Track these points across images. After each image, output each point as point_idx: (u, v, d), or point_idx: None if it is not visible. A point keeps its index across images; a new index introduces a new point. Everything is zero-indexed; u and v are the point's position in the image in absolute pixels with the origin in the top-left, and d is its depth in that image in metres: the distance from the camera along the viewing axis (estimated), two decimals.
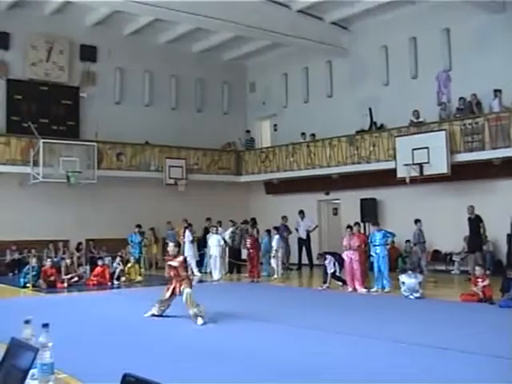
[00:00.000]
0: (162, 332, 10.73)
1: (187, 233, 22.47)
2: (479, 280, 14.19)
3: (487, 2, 20.88)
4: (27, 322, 3.83)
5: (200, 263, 23.27)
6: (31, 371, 3.33)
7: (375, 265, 17.06)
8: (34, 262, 19.43)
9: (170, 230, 25.07)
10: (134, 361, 7.93)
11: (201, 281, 20.82)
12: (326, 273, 17.77)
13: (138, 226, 24.01)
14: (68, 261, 20.68)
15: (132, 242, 23.61)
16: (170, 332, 10.75)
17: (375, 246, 17.10)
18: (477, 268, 14.79)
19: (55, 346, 3.69)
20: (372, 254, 17.39)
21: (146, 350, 8.88)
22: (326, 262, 17.63)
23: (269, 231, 22.75)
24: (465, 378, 7.13)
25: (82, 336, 10.16)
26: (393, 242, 20.57)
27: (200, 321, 11.36)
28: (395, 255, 22.93)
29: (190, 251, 22.24)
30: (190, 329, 10.96)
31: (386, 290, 16.51)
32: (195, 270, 22.47)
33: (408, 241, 23.00)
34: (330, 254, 18.10)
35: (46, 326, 3.68)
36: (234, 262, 23.22)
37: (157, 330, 10.90)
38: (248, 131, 30.65)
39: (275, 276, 21.08)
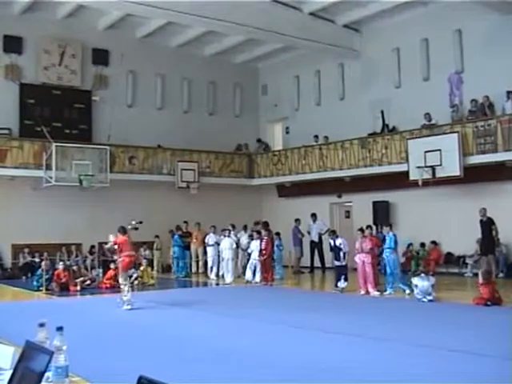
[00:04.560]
0: (175, 334, 10.76)
1: (211, 235, 22.57)
2: (479, 285, 14.15)
3: (499, 2, 20.78)
4: (42, 325, 3.84)
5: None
6: (46, 374, 3.34)
7: (387, 268, 17.00)
8: (47, 265, 19.50)
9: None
10: (148, 363, 7.92)
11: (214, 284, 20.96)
12: (339, 271, 17.76)
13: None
14: (75, 267, 20.77)
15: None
16: (183, 334, 10.75)
17: (387, 248, 17.06)
18: (479, 274, 14.68)
19: (69, 349, 3.70)
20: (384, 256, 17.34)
21: (160, 352, 8.89)
22: (341, 242, 17.59)
23: (278, 234, 22.78)
24: (475, 379, 7.12)
25: (95, 339, 10.19)
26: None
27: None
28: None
29: (211, 254, 22.37)
30: (204, 331, 10.99)
31: (407, 291, 16.40)
32: (212, 274, 22.48)
33: (422, 244, 22.97)
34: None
35: (60, 329, 3.69)
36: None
37: (170, 332, 10.94)
38: (259, 140, 30.56)
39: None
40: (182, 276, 23.21)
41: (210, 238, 22.77)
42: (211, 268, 22.73)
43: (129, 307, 14.10)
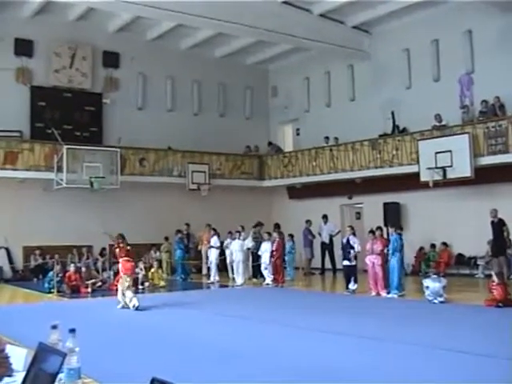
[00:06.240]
0: (187, 335, 10.77)
1: (215, 238, 22.49)
2: (493, 286, 14.11)
3: (510, 2, 20.70)
4: (54, 327, 3.86)
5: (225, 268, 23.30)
6: (58, 376, 3.36)
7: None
8: (58, 267, 19.60)
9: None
10: (160, 364, 7.94)
11: (224, 285, 21.00)
12: (348, 274, 17.83)
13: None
14: (83, 269, 20.80)
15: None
16: (194, 335, 10.75)
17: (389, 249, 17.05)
18: (494, 277, 14.62)
19: (81, 351, 3.72)
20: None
21: (171, 354, 8.91)
22: (355, 240, 17.64)
23: (292, 236, 22.78)
24: (485, 380, 7.12)
25: (107, 340, 10.23)
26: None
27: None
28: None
29: (214, 256, 22.29)
30: (215, 332, 11.00)
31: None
32: (216, 276, 22.39)
33: (433, 245, 22.94)
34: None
35: (72, 331, 3.71)
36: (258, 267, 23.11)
37: (181, 334, 10.97)
38: (270, 143, 30.49)
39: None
40: (182, 279, 23.20)
41: (212, 241, 22.67)
42: (215, 271, 22.61)
43: (120, 306, 14.74)
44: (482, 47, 22.46)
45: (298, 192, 28.46)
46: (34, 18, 24.89)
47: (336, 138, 26.33)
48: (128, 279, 14.88)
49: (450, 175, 20.73)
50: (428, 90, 23.96)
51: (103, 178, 23.60)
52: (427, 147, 21.39)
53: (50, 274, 19.42)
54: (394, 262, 16.66)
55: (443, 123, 22.27)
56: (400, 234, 17.32)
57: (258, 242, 21.83)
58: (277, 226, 22.50)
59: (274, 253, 20.28)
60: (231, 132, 29.36)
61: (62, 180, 23.12)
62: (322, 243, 25.04)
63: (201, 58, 29.02)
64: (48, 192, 23.80)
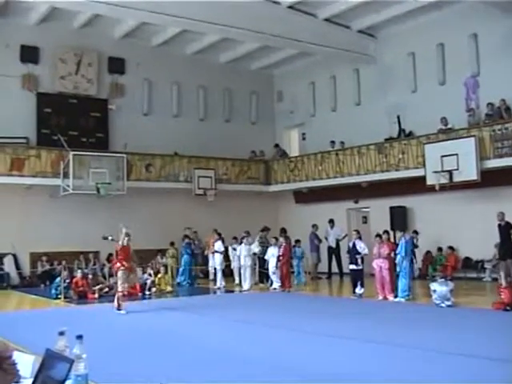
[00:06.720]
0: (193, 340, 10.77)
1: (219, 243, 22.47)
2: (501, 290, 14.10)
3: None
4: (61, 333, 3.85)
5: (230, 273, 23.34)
6: (66, 382, 3.36)
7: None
8: (65, 274, 19.62)
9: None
10: (168, 370, 7.92)
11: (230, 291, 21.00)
12: (355, 279, 17.81)
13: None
14: (90, 275, 20.79)
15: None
16: (201, 340, 10.74)
17: (398, 254, 17.02)
18: (502, 280, 14.61)
19: (88, 357, 3.71)
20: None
21: (178, 359, 8.91)
22: (361, 244, 17.65)
23: (299, 241, 22.73)
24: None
25: (114, 346, 10.22)
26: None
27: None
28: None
29: (219, 261, 22.26)
30: (222, 337, 11.01)
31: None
32: (222, 281, 22.34)
33: (440, 248, 22.89)
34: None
35: (80, 337, 3.71)
36: (265, 272, 23.08)
37: (188, 338, 10.96)
38: (277, 145, 30.49)
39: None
40: (188, 284, 23.27)
41: (216, 245, 22.64)
42: (220, 276, 22.52)
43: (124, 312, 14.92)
44: (488, 50, 22.43)
45: (304, 196, 28.43)
46: (40, 24, 24.96)
47: (342, 143, 26.32)
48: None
49: (457, 178, 20.69)
50: (434, 93, 23.95)
51: (109, 183, 23.60)
52: (433, 151, 21.37)
53: (57, 280, 19.44)
54: (405, 265, 16.64)
55: (449, 126, 22.24)
56: (413, 238, 17.29)
57: (265, 246, 21.83)
58: (283, 231, 22.51)
59: (281, 257, 20.28)
60: (237, 137, 29.37)
61: (68, 186, 23.13)
62: (329, 247, 25.02)
63: (206, 63, 29.09)
64: (54, 198, 23.81)
